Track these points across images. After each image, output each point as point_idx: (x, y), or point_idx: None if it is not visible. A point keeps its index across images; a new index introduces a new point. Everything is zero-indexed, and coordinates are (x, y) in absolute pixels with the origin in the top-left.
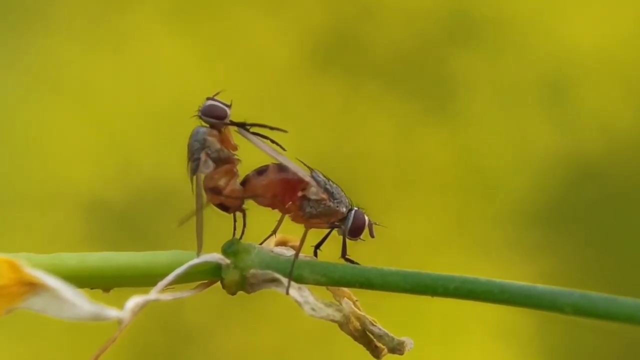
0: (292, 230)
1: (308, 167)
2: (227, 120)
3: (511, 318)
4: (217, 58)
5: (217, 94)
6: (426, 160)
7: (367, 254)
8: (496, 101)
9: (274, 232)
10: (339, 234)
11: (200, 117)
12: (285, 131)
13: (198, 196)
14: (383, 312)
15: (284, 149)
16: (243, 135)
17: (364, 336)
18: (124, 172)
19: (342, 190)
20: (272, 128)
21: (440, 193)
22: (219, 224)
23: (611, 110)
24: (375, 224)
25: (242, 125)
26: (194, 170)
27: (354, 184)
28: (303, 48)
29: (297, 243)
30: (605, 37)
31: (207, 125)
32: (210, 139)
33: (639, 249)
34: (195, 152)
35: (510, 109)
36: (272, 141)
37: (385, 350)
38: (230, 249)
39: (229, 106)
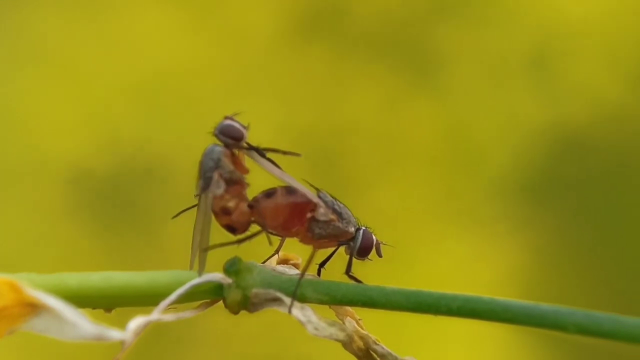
0: (294, 248)
1: (315, 187)
2: (243, 142)
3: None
4: (201, 28)
5: (236, 114)
6: (413, 132)
7: None
8: (483, 73)
9: (277, 251)
10: (347, 253)
11: (216, 136)
12: (298, 155)
13: (203, 214)
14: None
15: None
16: (252, 158)
17: (368, 355)
18: (109, 143)
19: (349, 210)
20: (285, 153)
21: (427, 165)
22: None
23: (597, 82)
24: (383, 243)
25: (254, 149)
26: (204, 189)
27: (340, 157)
28: (288, 18)
29: (299, 261)
30: (592, 8)
31: (222, 144)
32: (224, 159)
33: (624, 221)
34: (208, 171)
35: (496, 80)
36: (277, 166)
37: None
38: (232, 268)
39: (246, 128)
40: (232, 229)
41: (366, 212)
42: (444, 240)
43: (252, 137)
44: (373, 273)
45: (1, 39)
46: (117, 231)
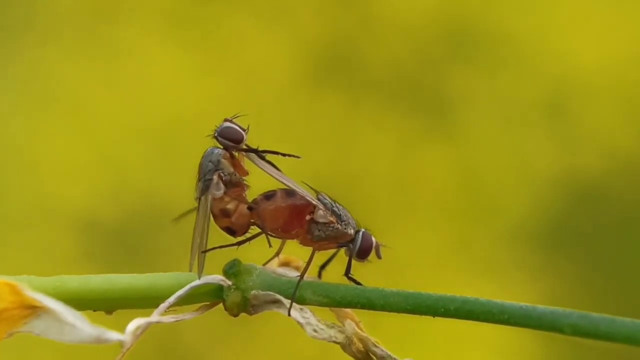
0: (295, 251)
1: (314, 189)
2: (242, 145)
3: (515, 337)
4: (213, 71)
5: (236, 116)
6: (426, 178)
7: (367, 274)
8: (496, 118)
9: (277, 253)
10: (346, 255)
11: (216, 138)
12: (298, 157)
13: (202, 217)
14: (385, 333)
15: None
16: (252, 160)
17: (367, 358)
18: (117, 189)
19: (348, 212)
20: (284, 155)
21: (440, 212)
22: (220, 244)
23: (612, 129)
24: (382, 245)
25: (254, 151)
26: (203, 191)
27: (352, 203)
28: (301, 63)
29: (300, 264)
30: (607, 55)
31: (221, 147)
32: (224, 161)
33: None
34: (207, 173)
35: (510, 126)
36: (277, 168)
37: None
38: (232, 270)
39: (245, 130)
40: (231, 231)
41: (378, 260)
42: (458, 288)
43: (265, 183)
44: None
45: (13, 81)
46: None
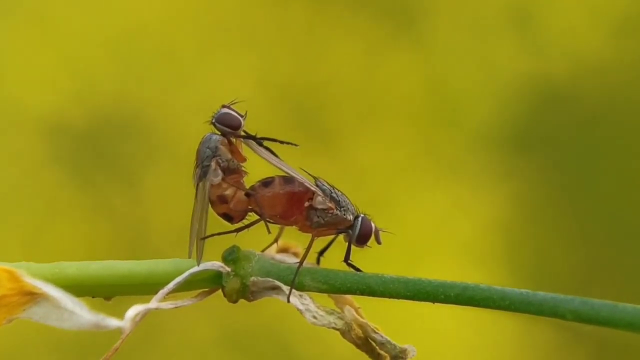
0: (294, 237)
1: (312, 176)
2: (240, 131)
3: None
4: None
5: (233, 102)
6: (393, 84)
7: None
8: (464, 24)
9: (276, 240)
10: (345, 240)
11: (214, 124)
12: (296, 145)
13: (200, 203)
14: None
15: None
16: (250, 147)
17: (366, 344)
18: (84, 95)
19: (347, 198)
20: (282, 142)
21: (407, 118)
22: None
23: (578, 34)
24: (382, 230)
25: (252, 138)
26: (201, 177)
27: (319, 110)
28: None
29: (299, 250)
30: None
31: (219, 133)
32: (222, 147)
33: (604, 172)
34: (205, 159)
35: (478, 33)
36: (275, 154)
37: (388, 357)
38: (231, 256)
39: (243, 116)
40: (229, 217)
41: (346, 166)
42: (424, 193)
43: (232, 92)
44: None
45: None
46: (96, 182)
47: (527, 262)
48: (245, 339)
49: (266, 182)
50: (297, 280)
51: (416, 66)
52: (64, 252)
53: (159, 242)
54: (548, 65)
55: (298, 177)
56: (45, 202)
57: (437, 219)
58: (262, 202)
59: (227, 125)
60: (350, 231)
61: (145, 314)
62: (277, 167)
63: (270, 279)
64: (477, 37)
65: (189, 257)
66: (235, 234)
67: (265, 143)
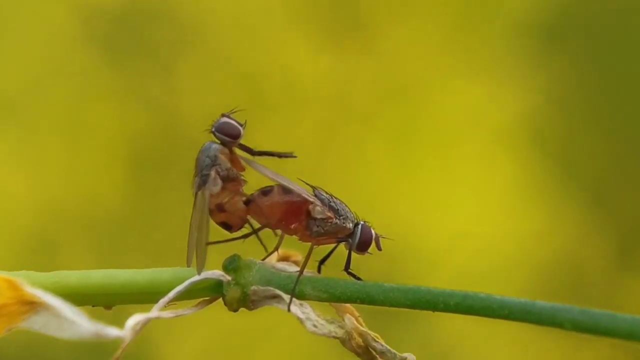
0: (294, 245)
1: (310, 186)
2: (239, 140)
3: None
4: None
5: (233, 111)
6: None
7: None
8: None
9: (276, 248)
10: (346, 248)
11: (213, 133)
12: (294, 156)
13: (200, 212)
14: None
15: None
16: (245, 160)
17: (367, 352)
18: None
19: (346, 206)
20: (280, 155)
21: (442, 6)
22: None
23: None
24: (382, 237)
25: (249, 150)
26: (200, 186)
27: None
28: None
29: (299, 259)
30: None
31: (218, 142)
32: (221, 156)
33: (637, 64)
34: (204, 168)
35: None
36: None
37: None
38: (231, 265)
39: (243, 125)
40: (227, 226)
41: (379, 53)
42: (457, 81)
43: None
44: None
45: None
46: (130, 67)
47: (557, 151)
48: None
49: (265, 191)
50: (297, 289)
51: None
52: (101, 131)
53: (191, 130)
54: None
55: (296, 188)
56: (80, 83)
57: (469, 107)
58: (261, 211)
59: (227, 135)
60: (350, 239)
61: (146, 323)
62: (273, 179)
63: (271, 288)
64: None
65: (188, 266)
66: (242, 240)
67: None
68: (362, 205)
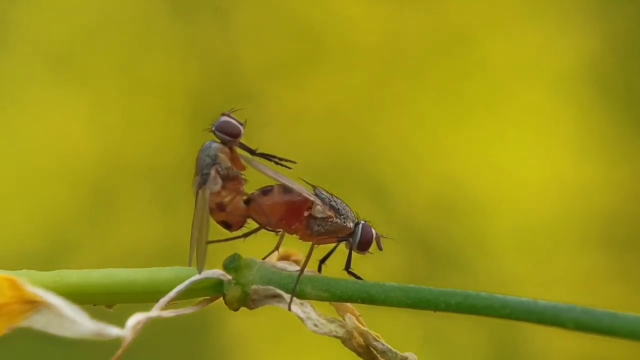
0: (295, 244)
1: (311, 185)
2: (240, 139)
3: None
4: None
5: (233, 110)
6: None
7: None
8: None
9: (277, 247)
10: (347, 248)
11: (214, 132)
12: (294, 162)
13: (201, 211)
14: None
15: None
16: (245, 159)
17: (367, 352)
18: None
19: (347, 205)
20: (279, 159)
21: None
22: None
23: None
24: (382, 236)
25: (249, 150)
26: (200, 185)
27: None
28: None
29: (300, 257)
30: None
31: (219, 141)
32: (221, 155)
33: None
34: (205, 167)
35: None
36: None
37: None
38: (232, 264)
39: (243, 124)
40: (228, 225)
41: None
42: (512, 27)
43: None
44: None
45: None
46: (189, 15)
47: (618, 98)
48: None
49: (265, 191)
50: (298, 288)
51: None
52: (159, 82)
53: (248, 82)
54: None
55: (296, 187)
56: (140, 33)
57: (527, 54)
58: (261, 211)
59: (227, 134)
60: (350, 239)
61: (147, 323)
62: (273, 179)
63: (272, 287)
64: None
65: (189, 265)
66: (242, 239)
67: (264, 146)
68: (416, 157)
